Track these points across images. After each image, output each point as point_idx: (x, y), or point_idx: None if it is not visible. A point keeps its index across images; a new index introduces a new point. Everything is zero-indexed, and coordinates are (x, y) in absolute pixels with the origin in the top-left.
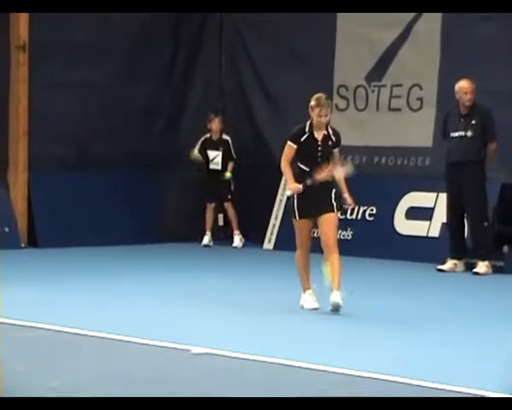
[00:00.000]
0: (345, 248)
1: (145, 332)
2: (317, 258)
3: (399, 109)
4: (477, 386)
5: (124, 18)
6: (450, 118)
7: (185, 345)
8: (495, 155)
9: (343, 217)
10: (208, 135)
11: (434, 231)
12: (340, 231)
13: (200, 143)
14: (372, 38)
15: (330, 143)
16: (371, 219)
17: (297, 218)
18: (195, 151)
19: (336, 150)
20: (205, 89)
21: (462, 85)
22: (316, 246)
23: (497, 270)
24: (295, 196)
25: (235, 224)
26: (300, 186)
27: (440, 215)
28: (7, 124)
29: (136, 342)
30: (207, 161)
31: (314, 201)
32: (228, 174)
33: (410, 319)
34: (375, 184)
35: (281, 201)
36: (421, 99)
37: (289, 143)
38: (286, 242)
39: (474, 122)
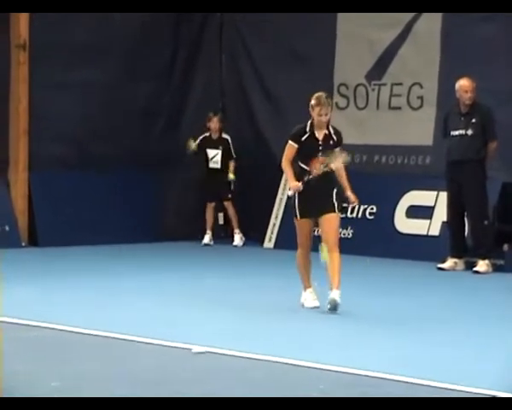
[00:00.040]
0: (345, 246)
1: (146, 331)
2: (317, 257)
3: (400, 108)
4: (477, 386)
5: (124, 18)
6: (451, 116)
7: (186, 344)
8: (495, 153)
9: (343, 215)
10: (208, 134)
11: (435, 230)
12: (340, 230)
13: (199, 139)
14: (372, 38)
15: (331, 142)
16: (371, 217)
17: (298, 217)
18: (193, 144)
19: (337, 150)
20: (205, 89)
21: (463, 84)
22: (316, 245)
23: (497, 268)
24: (296, 195)
25: (235, 222)
26: (300, 184)
27: (441, 214)
28: (7, 123)
29: (137, 341)
30: (207, 159)
31: (315, 200)
32: (231, 176)
33: (410, 318)
34: (375, 182)
35: (281, 200)
36: (421, 98)
37: (290, 142)
38: (286, 241)
39: (474, 121)
